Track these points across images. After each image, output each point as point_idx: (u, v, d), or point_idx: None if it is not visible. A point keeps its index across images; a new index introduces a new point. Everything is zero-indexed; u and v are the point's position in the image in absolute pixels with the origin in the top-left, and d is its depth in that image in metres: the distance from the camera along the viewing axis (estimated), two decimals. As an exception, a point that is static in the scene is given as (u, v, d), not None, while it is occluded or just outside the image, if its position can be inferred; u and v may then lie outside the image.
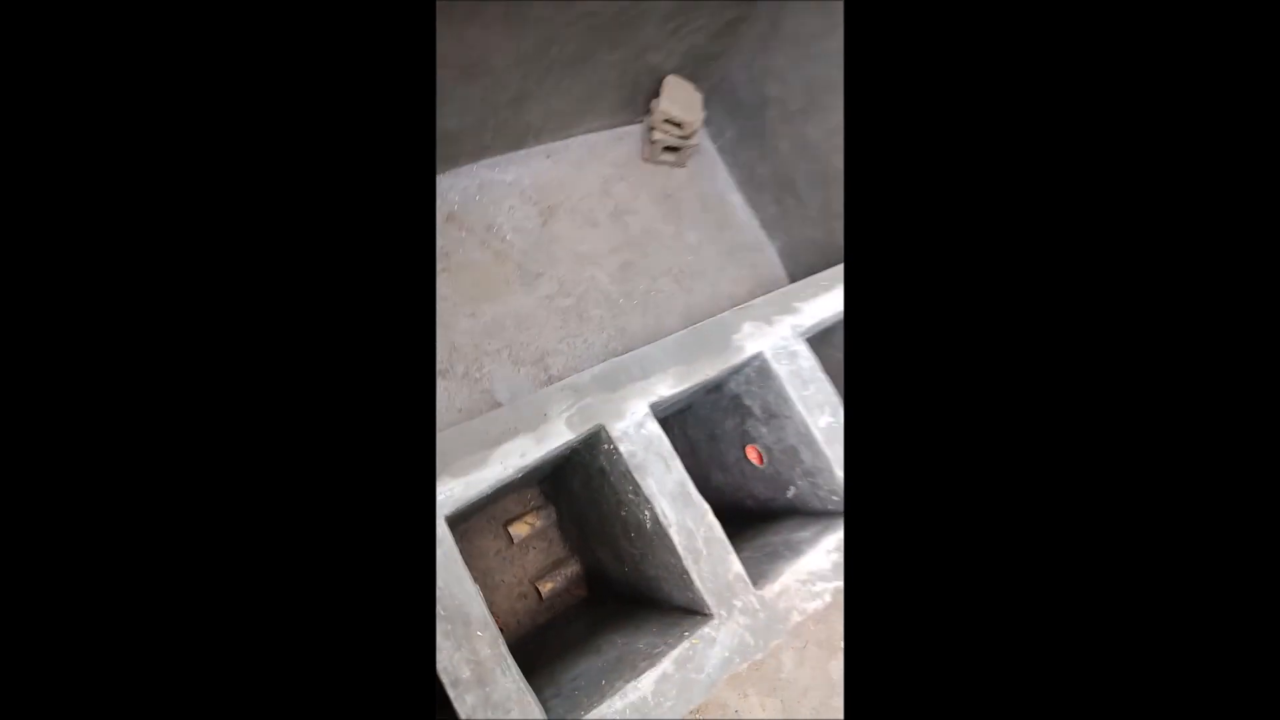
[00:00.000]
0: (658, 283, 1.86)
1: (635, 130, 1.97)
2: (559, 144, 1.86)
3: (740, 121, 1.94)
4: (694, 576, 1.01)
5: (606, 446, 1.07)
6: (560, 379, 1.17)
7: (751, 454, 1.36)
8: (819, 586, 1.05)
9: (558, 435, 1.02)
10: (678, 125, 1.83)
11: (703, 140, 2.05)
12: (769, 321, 1.19)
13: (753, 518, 1.40)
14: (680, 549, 1.02)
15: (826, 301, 1.24)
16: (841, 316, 1.26)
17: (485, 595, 0.92)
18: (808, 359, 1.19)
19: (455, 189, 1.71)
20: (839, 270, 1.28)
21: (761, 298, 1.21)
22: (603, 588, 1.48)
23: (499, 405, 1.59)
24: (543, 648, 1.32)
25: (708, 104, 1.93)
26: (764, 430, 1.28)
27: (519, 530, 1.49)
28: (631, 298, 1.82)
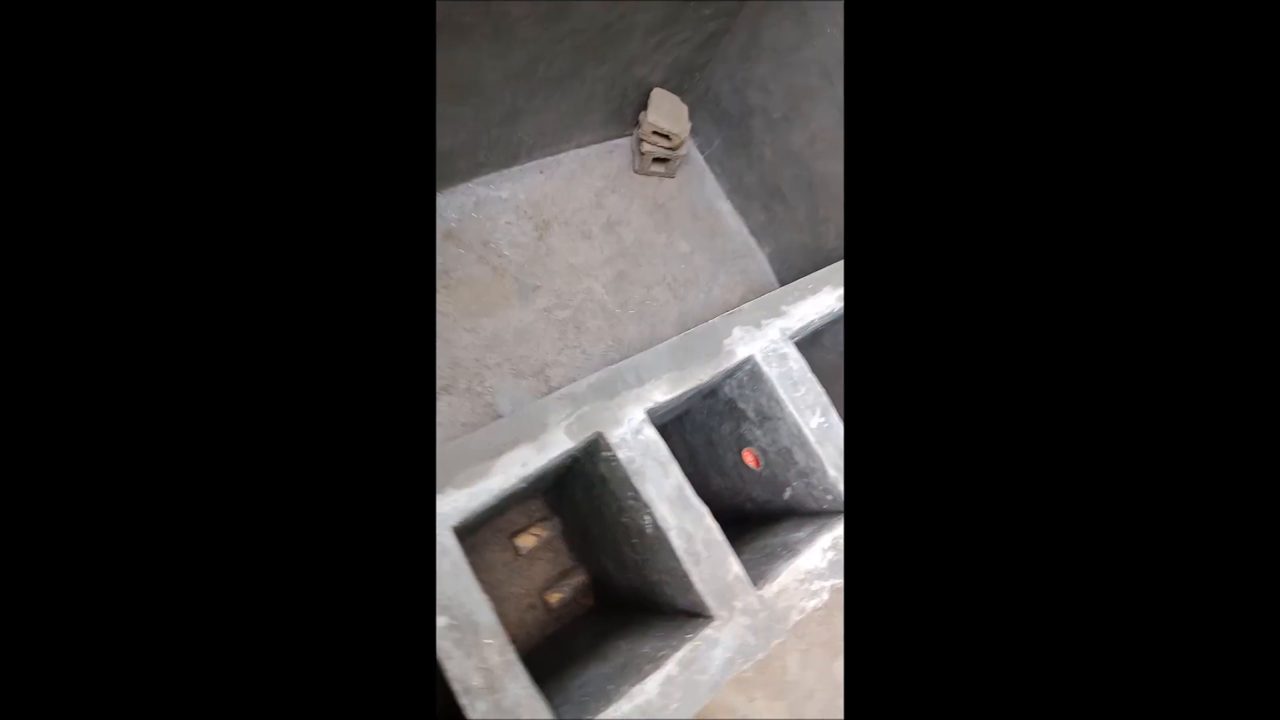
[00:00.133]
0: (652, 292, 1.89)
1: (625, 143, 2.01)
2: (551, 159, 1.90)
3: (726, 131, 1.97)
4: (694, 579, 1.03)
5: (605, 454, 1.09)
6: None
7: (748, 457, 1.38)
8: (816, 585, 1.07)
9: (558, 444, 1.04)
10: (666, 137, 1.87)
11: (691, 150, 2.09)
12: (758, 325, 1.21)
13: (752, 521, 1.42)
14: (680, 552, 1.04)
15: (814, 304, 1.26)
16: (828, 318, 1.28)
17: (494, 607, 0.94)
18: (797, 361, 1.21)
19: (452, 206, 1.74)
20: (825, 273, 1.30)
21: (750, 302, 1.24)
22: (609, 596, 1.49)
23: (501, 418, 1.61)
24: (551, 657, 1.33)
25: (694, 115, 1.97)
26: (759, 433, 1.31)
27: (525, 542, 1.51)
28: (627, 307, 1.85)
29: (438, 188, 1.73)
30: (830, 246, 1.81)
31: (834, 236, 1.79)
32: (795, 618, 1.04)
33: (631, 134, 1.98)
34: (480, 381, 1.64)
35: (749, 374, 1.24)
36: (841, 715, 1.56)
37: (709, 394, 1.37)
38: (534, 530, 1.52)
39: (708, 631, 1.01)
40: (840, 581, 1.09)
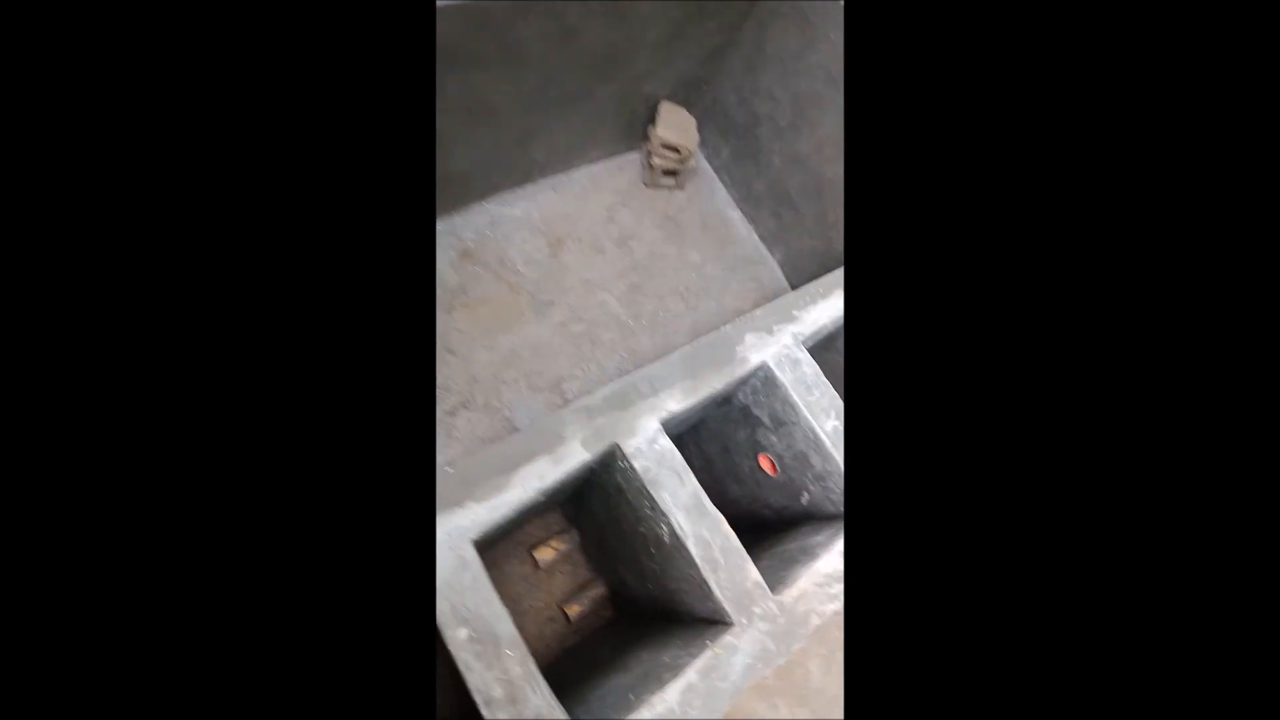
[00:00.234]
0: (665, 303, 1.91)
1: (635, 158, 2.03)
2: (563, 176, 1.93)
3: (734, 141, 1.99)
4: (713, 586, 1.03)
5: (621, 464, 1.10)
6: (576, 402, 1.20)
7: (765, 463, 1.38)
8: (835, 588, 1.06)
9: (574, 456, 1.05)
10: (675, 150, 1.89)
11: (700, 162, 2.11)
12: (770, 331, 1.22)
13: (770, 528, 1.41)
14: (698, 560, 1.04)
15: (825, 308, 1.26)
16: (840, 321, 1.28)
17: (515, 621, 0.95)
18: (810, 365, 1.21)
19: (469, 226, 1.78)
20: (835, 276, 1.31)
21: (761, 308, 1.24)
22: (628, 606, 1.49)
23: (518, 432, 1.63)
24: (572, 670, 1.34)
25: (702, 126, 1.99)
26: (774, 439, 1.31)
27: (544, 555, 1.52)
28: (640, 319, 1.87)
29: (454, 208, 1.77)
30: (840, 250, 1.81)
31: (843, 240, 1.79)
32: (815, 622, 1.04)
33: (641, 148, 2.01)
34: (497, 396, 1.66)
35: (762, 380, 1.24)
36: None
37: (723, 401, 1.37)
38: (552, 543, 1.53)
39: (727, 638, 1.01)
40: (859, 586, 1.08)
